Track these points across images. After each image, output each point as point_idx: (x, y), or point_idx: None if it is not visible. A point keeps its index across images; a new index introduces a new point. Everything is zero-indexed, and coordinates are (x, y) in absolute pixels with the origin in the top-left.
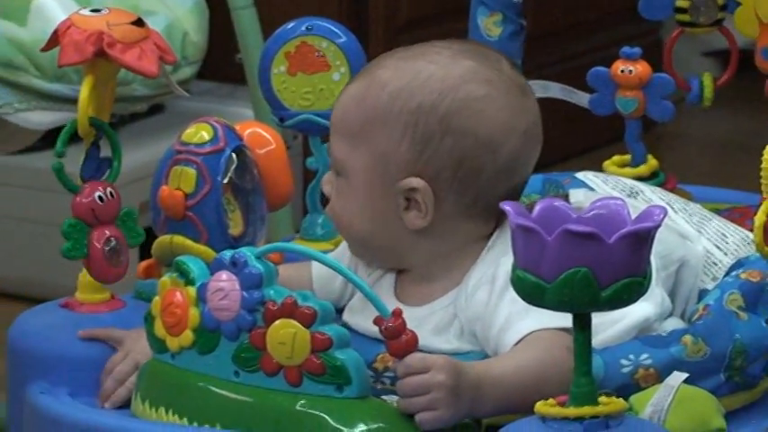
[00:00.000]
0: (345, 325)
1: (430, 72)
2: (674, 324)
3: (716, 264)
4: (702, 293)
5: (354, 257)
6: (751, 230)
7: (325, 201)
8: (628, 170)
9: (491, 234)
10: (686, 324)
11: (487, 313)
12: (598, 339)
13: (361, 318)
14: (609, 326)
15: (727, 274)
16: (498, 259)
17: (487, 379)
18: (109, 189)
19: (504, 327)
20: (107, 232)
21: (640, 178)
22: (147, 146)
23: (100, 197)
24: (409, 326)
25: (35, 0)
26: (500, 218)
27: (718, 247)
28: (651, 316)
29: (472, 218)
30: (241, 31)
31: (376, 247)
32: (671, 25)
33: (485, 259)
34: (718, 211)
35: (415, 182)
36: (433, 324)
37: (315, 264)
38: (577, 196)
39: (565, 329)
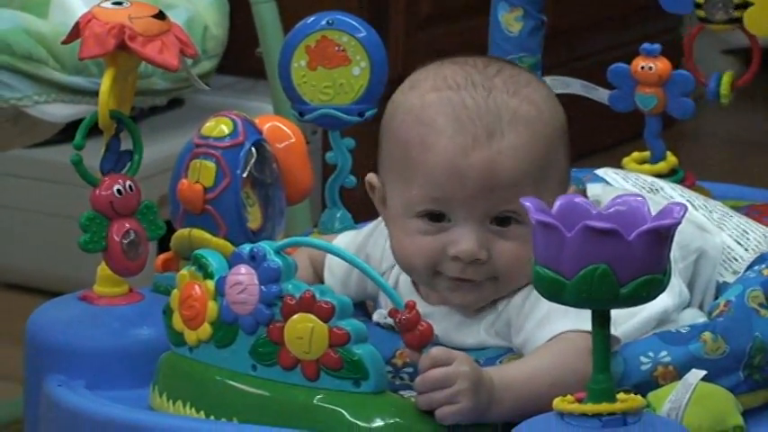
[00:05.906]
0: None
1: (546, 92)
2: (692, 315)
3: (736, 259)
4: (722, 287)
5: (363, 251)
6: None
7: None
8: (647, 167)
9: None
10: (704, 315)
11: (527, 304)
12: (617, 332)
13: None
14: (628, 318)
15: (750, 268)
16: None
17: (501, 383)
18: (128, 182)
19: (542, 322)
20: (126, 225)
21: (660, 175)
22: (166, 140)
23: (119, 190)
24: (440, 314)
25: None
26: None
27: (739, 243)
28: (670, 307)
29: None
30: (261, 26)
31: None
32: (691, 23)
33: None
34: (736, 209)
35: (572, 189)
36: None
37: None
38: (595, 190)
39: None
